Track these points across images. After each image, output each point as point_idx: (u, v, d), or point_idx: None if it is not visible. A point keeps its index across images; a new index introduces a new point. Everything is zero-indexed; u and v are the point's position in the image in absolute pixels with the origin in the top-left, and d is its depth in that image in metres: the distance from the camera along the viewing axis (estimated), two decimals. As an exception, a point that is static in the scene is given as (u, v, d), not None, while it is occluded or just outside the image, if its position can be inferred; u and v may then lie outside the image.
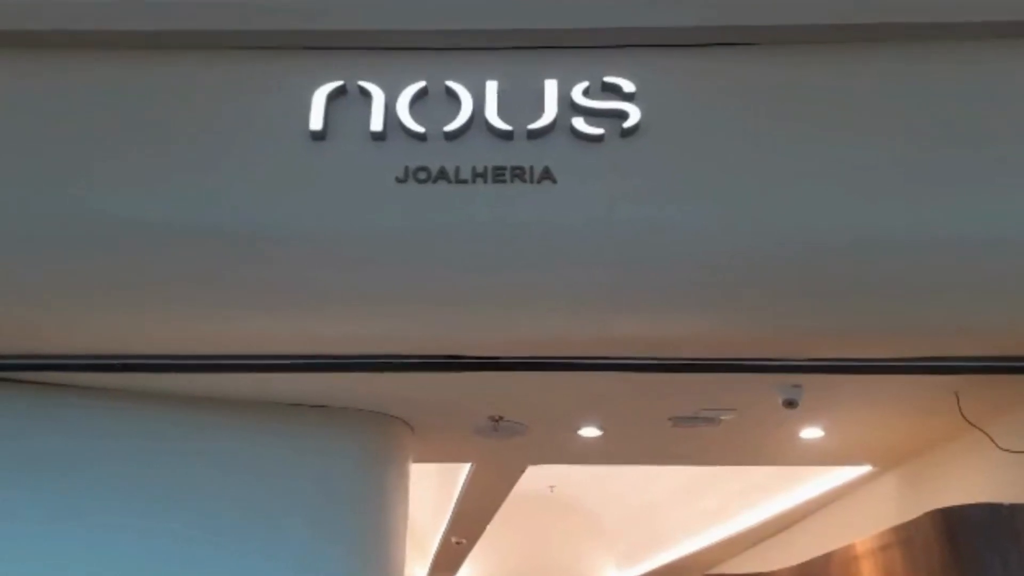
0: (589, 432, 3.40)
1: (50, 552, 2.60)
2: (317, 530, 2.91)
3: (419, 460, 3.67)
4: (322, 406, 3.05)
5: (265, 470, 2.93)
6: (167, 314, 2.39)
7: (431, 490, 6.43)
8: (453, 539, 5.72)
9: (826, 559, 3.42)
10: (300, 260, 2.22)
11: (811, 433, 3.33)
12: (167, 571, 2.70)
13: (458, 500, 4.64)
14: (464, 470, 4.30)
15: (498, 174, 2.18)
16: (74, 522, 2.67)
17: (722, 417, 3.12)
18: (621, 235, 2.16)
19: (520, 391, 3.00)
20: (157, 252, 2.19)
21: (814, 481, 4.31)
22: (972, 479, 3.10)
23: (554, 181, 2.17)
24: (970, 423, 2.83)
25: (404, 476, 3.40)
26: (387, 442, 3.26)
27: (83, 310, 2.37)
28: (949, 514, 2.55)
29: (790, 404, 2.74)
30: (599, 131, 2.21)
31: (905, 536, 2.79)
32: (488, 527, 6.57)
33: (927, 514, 2.62)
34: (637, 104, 2.23)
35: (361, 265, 2.23)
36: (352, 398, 3.05)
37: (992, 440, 2.83)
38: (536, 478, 7.80)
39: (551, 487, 8.05)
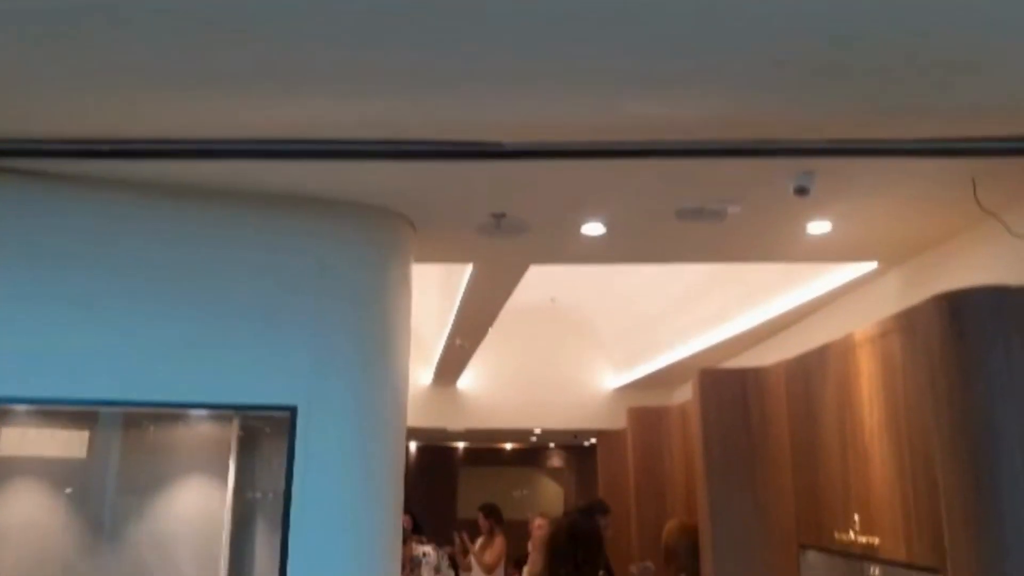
0: (592, 229, 3.34)
1: (54, 337, 2.64)
2: (321, 322, 2.93)
3: (421, 260, 3.65)
4: (325, 200, 3.00)
5: (269, 263, 2.92)
6: (158, 95, 2.26)
7: (434, 298, 6.54)
8: (456, 341, 5.87)
9: (823, 350, 3.49)
10: (294, 35, 2.05)
11: (819, 228, 3.27)
12: (172, 361, 2.74)
13: (460, 303, 4.69)
14: (466, 275, 4.31)
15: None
16: (79, 312, 2.69)
17: (728, 210, 3.05)
18: (629, 7, 1.97)
19: (523, 184, 2.92)
20: (147, 28, 2.02)
21: (816, 282, 4.32)
22: (980, 270, 3.08)
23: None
24: (984, 210, 2.77)
25: (407, 274, 3.40)
26: (390, 238, 3.23)
27: (70, 91, 2.25)
28: (954, 297, 2.55)
29: (801, 191, 2.65)
30: None
31: (906, 323, 2.81)
32: (490, 336, 6.74)
33: (931, 298, 2.61)
34: None
35: (358, 41, 2.07)
36: (355, 192, 2.99)
37: (1006, 227, 2.78)
38: (537, 290, 7.92)
39: (552, 299, 8.22)
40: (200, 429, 3.29)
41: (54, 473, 3.18)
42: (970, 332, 2.49)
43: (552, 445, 13.31)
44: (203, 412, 3.19)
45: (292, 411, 2.82)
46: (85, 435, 3.23)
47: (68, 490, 3.22)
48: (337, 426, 2.88)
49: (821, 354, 3.49)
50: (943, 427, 2.50)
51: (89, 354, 2.69)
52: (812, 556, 3.64)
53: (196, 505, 3.26)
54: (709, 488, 3.94)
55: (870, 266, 3.82)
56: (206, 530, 3.14)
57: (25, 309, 2.65)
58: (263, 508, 3.15)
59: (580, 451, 12.52)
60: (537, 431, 9.81)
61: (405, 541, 6.54)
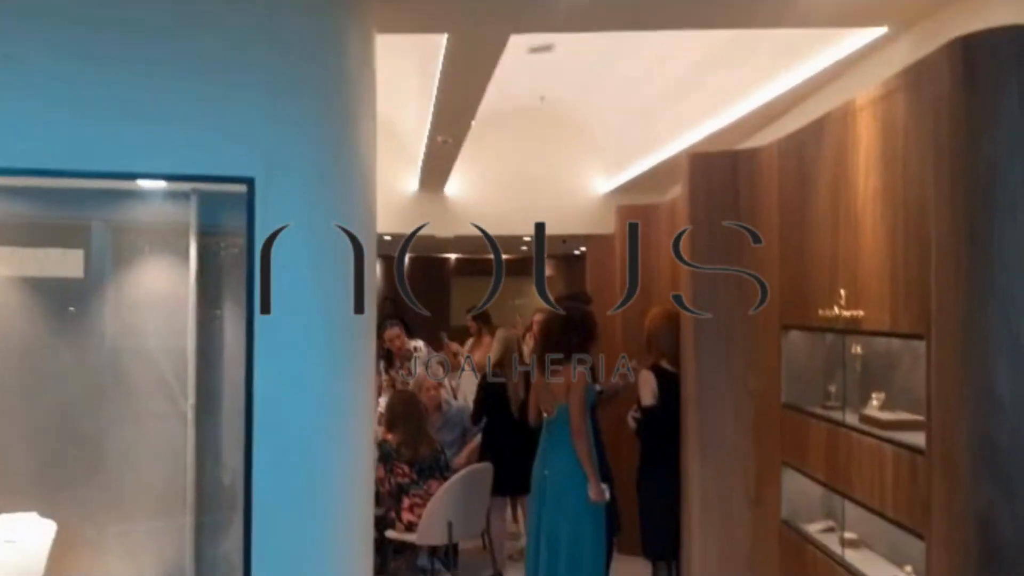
0: (574, -12, 3.02)
1: None
2: (276, 86, 2.68)
3: (389, 29, 3.34)
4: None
5: (217, 16, 2.63)
6: None
7: (413, 96, 6.20)
8: (439, 138, 5.62)
9: (819, 122, 3.27)
10: None
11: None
12: (114, 128, 2.53)
13: (439, 88, 4.40)
14: (441, 53, 3.99)
15: None
16: (7, 74, 2.44)
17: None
18: None
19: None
20: None
21: (818, 57, 4.01)
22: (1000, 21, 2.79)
23: None
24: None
25: (368, 46, 3.10)
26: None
27: None
28: (969, 41, 2.29)
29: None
30: None
31: (913, 78, 2.57)
32: (478, 140, 6.46)
33: (943, 45, 2.35)
34: None
35: None
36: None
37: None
38: (526, 89, 7.53)
39: (541, 97, 7.84)
40: (159, 209, 3.13)
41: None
42: (982, 80, 2.25)
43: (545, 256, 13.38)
44: (158, 190, 3.02)
45: (249, 183, 2.64)
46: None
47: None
48: (299, 201, 2.71)
49: (817, 126, 3.27)
50: (943, 184, 2.33)
51: (22, 119, 2.47)
52: (794, 336, 3.61)
53: (161, 288, 3.16)
54: (693, 273, 3.86)
55: (878, 32, 3.50)
56: (172, 311, 3.07)
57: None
58: (229, 288, 3.06)
59: (571, 260, 12.59)
60: (527, 238, 9.74)
61: (399, 336, 6.65)
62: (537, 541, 4.15)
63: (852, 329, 3.01)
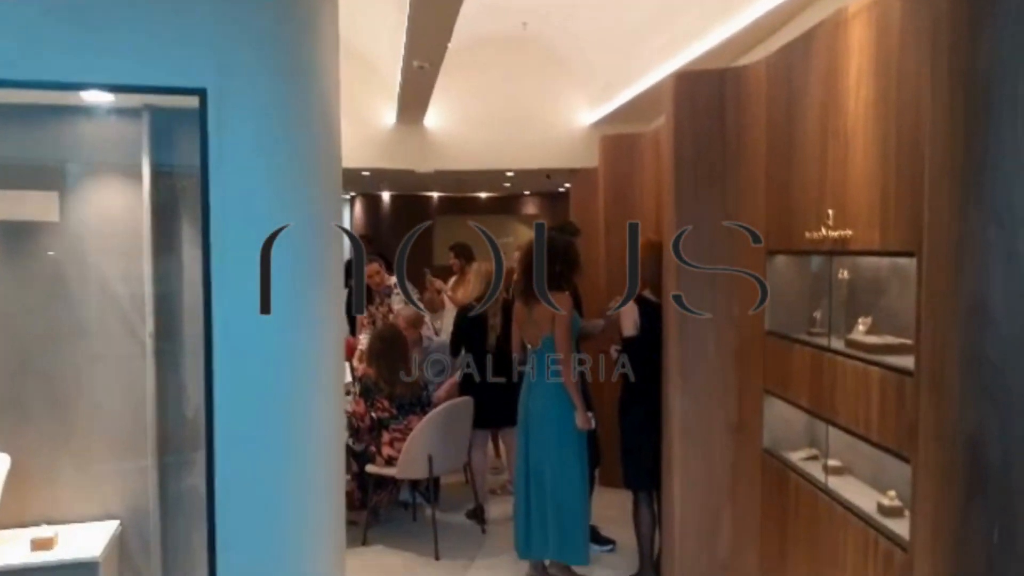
0: None
1: None
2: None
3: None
4: None
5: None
6: None
7: (387, 20, 5.93)
8: (415, 63, 5.39)
9: (809, 34, 3.10)
10: None
11: None
12: (49, 34, 2.33)
13: (411, 3, 4.17)
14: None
15: None
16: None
17: None
18: None
19: None
20: None
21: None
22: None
23: None
24: None
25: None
26: None
27: None
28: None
29: None
30: None
31: (911, -23, 2.40)
32: (458, 69, 6.22)
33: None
34: None
35: None
36: None
37: None
38: (508, 14, 7.25)
39: (524, 24, 7.57)
40: (109, 131, 2.94)
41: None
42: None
43: (527, 193, 13.17)
44: (107, 106, 2.83)
45: (202, 94, 2.46)
46: None
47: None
48: (255, 115, 2.54)
49: (807, 38, 3.10)
50: (940, 90, 2.19)
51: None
52: (779, 261, 3.50)
53: (116, 217, 3.00)
54: (678, 201, 3.72)
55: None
56: (128, 241, 2.91)
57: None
58: (184, 203, 2.90)
59: (554, 197, 12.41)
60: (510, 173, 9.55)
61: (378, 272, 6.50)
62: (526, 475, 4.10)
63: (840, 250, 2.90)
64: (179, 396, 2.95)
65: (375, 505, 5.09)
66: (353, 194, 13.84)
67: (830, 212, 2.90)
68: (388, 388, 4.83)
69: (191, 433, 2.88)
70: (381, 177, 10.17)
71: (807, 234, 3.08)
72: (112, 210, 2.99)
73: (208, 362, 2.42)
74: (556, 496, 4.00)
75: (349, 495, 5.29)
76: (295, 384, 2.63)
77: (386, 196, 13.44)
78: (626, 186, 5.75)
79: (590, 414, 3.99)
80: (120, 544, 3.01)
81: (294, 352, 2.62)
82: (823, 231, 2.95)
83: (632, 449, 4.09)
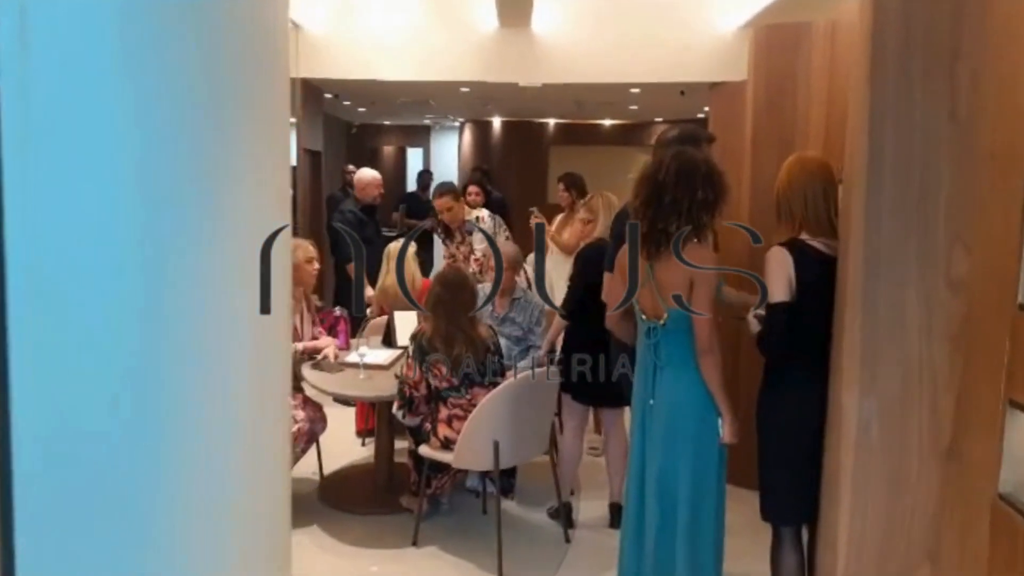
0: None
1: None
2: None
3: None
4: None
5: None
6: None
7: None
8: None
9: None
10: None
11: None
12: None
13: None
14: None
15: None
16: None
17: None
18: None
19: None
20: None
21: None
22: None
23: None
24: None
25: None
26: None
27: None
28: None
29: None
30: None
31: None
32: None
33: None
34: None
35: None
36: None
37: None
38: None
39: None
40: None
41: None
42: None
43: (658, 120, 11.49)
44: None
45: None
46: None
47: None
48: None
49: None
50: None
51: None
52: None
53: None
54: (875, 108, 2.32)
55: None
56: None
57: None
58: None
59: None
60: (635, 91, 8.10)
61: (449, 207, 5.38)
62: (641, 488, 2.94)
63: None
64: None
65: (434, 493, 4.07)
66: (462, 119, 12.70)
67: None
68: (441, 347, 3.71)
69: None
70: (486, 96, 8.96)
71: None
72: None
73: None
74: (688, 517, 2.81)
75: (404, 478, 4.29)
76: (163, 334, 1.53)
77: (496, 123, 12.21)
78: (785, 92, 4.32)
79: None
80: None
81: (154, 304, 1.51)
82: None
83: (774, 466, 2.79)
